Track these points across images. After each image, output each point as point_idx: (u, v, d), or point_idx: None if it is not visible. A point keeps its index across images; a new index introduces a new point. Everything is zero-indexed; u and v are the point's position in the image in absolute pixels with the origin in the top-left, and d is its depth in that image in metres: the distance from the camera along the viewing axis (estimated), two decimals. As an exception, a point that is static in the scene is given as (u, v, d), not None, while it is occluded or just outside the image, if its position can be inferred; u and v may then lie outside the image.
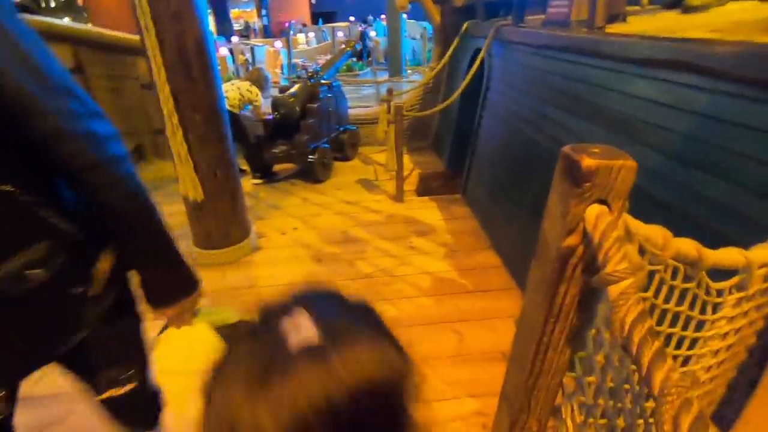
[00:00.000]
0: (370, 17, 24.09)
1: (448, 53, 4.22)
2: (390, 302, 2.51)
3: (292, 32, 20.59)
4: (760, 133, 1.19)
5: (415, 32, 18.45)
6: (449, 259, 2.93)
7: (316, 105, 4.25)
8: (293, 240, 3.28)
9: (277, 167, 4.52)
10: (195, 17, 2.42)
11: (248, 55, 13.51)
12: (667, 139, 1.52)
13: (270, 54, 19.09)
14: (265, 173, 4.40)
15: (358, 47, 5.08)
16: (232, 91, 4.05)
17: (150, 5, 2.25)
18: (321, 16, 29.69)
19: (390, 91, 4.21)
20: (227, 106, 4.04)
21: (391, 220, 3.53)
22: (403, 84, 13.93)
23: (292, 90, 4.27)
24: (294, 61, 19.37)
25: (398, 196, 3.84)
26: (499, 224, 3.04)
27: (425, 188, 4.37)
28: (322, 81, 4.49)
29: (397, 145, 3.57)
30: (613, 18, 2.57)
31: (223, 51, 19.88)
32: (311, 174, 4.28)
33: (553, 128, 2.33)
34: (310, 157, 4.18)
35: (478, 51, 3.85)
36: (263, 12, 30.18)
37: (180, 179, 2.68)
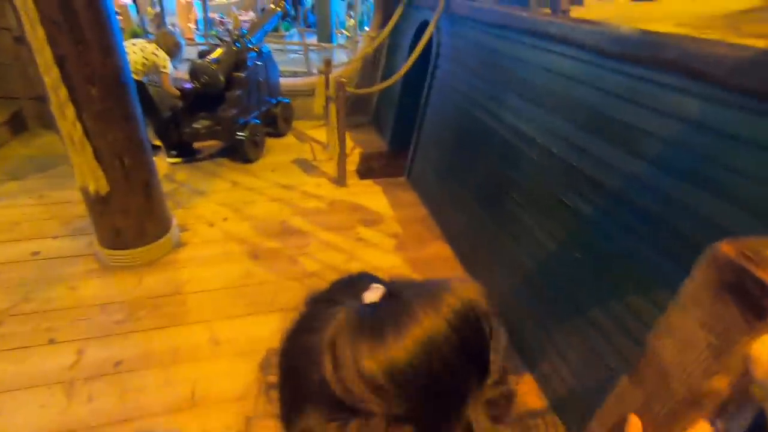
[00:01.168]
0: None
1: (390, 24, 3.89)
2: (340, 305, 2.28)
3: (206, -18, 18.49)
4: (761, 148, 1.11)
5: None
6: (400, 251, 2.76)
7: (243, 74, 3.73)
8: (224, 233, 2.88)
9: (197, 144, 3.96)
10: (83, -41, 1.87)
11: (158, 8, 11.89)
12: (649, 145, 1.42)
13: (182, 5, 17.03)
14: (183, 151, 3.83)
15: (290, 9, 4.53)
16: (134, 54, 3.39)
17: (14, -63, 1.67)
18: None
19: (328, 63, 3.81)
20: None
21: (334, 207, 3.25)
22: (333, 52, 13.25)
23: (215, 55, 3.69)
24: (210, 15, 17.51)
25: (340, 180, 3.55)
26: (450, 213, 2.92)
27: (367, 169, 4.13)
28: (250, 46, 3.94)
29: (338, 125, 3.24)
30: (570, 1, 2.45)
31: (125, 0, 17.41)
32: (240, 153, 3.81)
33: (515, 118, 2.18)
34: (239, 134, 3.69)
35: (424, 23, 3.59)
36: (170, -45, 26.66)
37: (75, 168, 2.16)
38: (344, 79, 3.13)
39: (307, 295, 0.50)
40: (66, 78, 1.95)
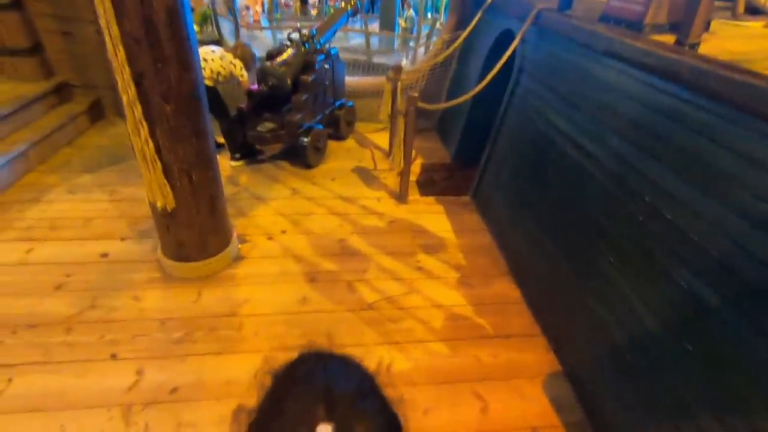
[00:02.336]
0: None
1: (467, 30, 3.62)
2: (399, 347, 2.15)
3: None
4: None
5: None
6: (463, 287, 2.57)
7: (311, 78, 3.63)
8: (282, 248, 2.82)
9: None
10: (166, -26, 1.79)
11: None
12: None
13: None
14: (247, 152, 3.82)
15: (360, 4, 4.36)
16: (212, 62, 3.37)
17: (101, -46, 1.61)
18: (307, -54, 27.02)
19: (398, 70, 3.62)
20: (204, 78, 3.41)
21: (394, 226, 3.10)
22: (394, 39, 12.97)
23: (284, 57, 3.60)
24: (279, -3, 17.67)
25: (402, 196, 3.39)
26: (520, 248, 2.68)
27: (428, 181, 3.95)
28: (319, 48, 3.82)
29: (406, 141, 3.06)
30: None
31: (195, -21, 17.92)
32: (302, 158, 3.73)
33: (616, 163, 1.90)
34: (302, 139, 3.61)
35: (506, 32, 3.30)
36: (243, -65, 27.13)
37: (145, 183, 2.14)
38: (416, 94, 2.93)
39: (265, 383, 0.59)
40: (142, 95, 1.91)
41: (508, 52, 2.85)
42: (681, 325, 1.48)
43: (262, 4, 16.52)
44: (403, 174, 3.26)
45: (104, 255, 2.65)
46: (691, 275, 1.46)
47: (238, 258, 2.69)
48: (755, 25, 2.24)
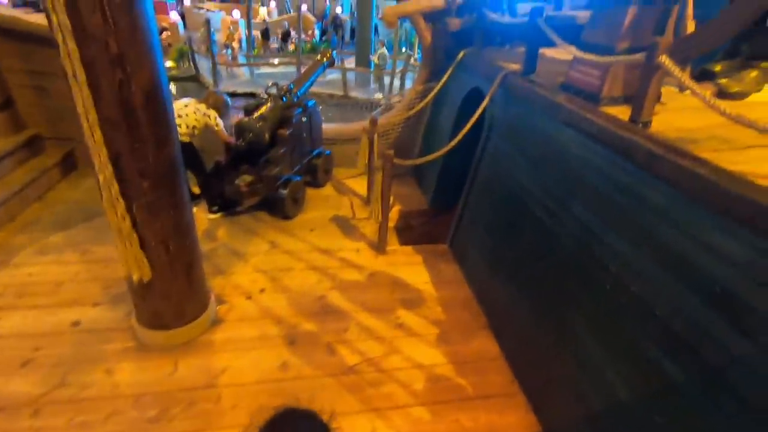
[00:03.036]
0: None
1: (440, 83, 3.79)
2: (380, 414, 2.14)
3: (251, 1, 19.07)
4: None
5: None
6: (443, 344, 2.60)
7: (288, 131, 3.70)
8: (260, 308, 2.80)
9: (238, 195, 3.95)
10: (146, 60, 1.83)
11: (205, 26, 12.28)
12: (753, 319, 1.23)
13: (226, 23, 17.59)
14: (224, 205, 3.81)
15: (336, 57, 4.51)
16: (187, 116, 3.41)
17: (79, 45, 1.65)
18: (283, -16, 27.79)
19: (373, 122, 3.73)
20: (180, 135, 3.43)
21: (374, 280, 3.13)
22: (370, 75, 13.28)
23: (261, 111, 3.67)
24: (254, 32, 18.01)
25: (380, 246, 3.43)
26: (498, 302, 2.74)
27: (406, 227, 4.02)
28: (296, 101, 3.91)
29: (383, 196, 3.14)
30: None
31: (174, 16, 18.14)
32: (280, 210, 3.75)
33: (581, 231, 2.01)
34: (281, 191, 3.64)
35: (475, 90, 3.47)
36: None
37: (120, 257, 2.12)
38: (391, 151, 3.03)
39: None
40: (119, 173, 1.92)
41: (478, 113, 2.99)
42: (651, 397, 1.55)
43: (240, 41, 16.81)
44: (381, 226, 3.31)
45: (75, 324, 2.58)
46: (657, 349, 1.53)
47: (216, 321, 2.66)
48: (704, 93, 2.43)
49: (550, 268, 2.24)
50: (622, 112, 2.07)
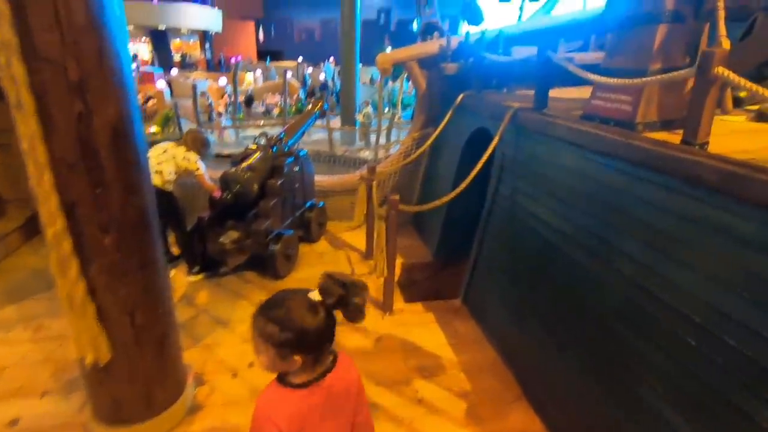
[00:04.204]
0: (331, 59, 24.08)
1: (440, 127, 3.60)
2: None
3: (239, 69, 19.75)
4: None
5: (364, 77, 18.32)
6: (474, 422, 2.13)
7: (279, 182, 3.39)
8: (249, 388, 2.31)
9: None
10: (113, 90, 1.53)
11: (197, 90, 12.41)
12: None
13: (213, 91, 17.98)
14: (207, 265, 3.39)
15: (327, 107, 4.35)
16: (166, 163, 3.10)
17: (27, 67, 1.34)
18: (268, 53, 29.16)
19: (372, 170, 3.47)
20: (158, 182, 3.10)
21: (382, 345, 2.68)
22: (355, 133, 13.47)
23: (250, 161, 3.38)
24: (240, 99, 18.44)
25: (387, 305, 3.02)
26: (533, 365, 2.31)
27: (410, 282, 3.63)
28: (287, 150, 3.66)
29: (388, 247, 2.79)
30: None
31: (161, 84, 18.53)
32: (270, 268, 3.34)
33: (637, 273, 1.67)
34: (271, 248, 3.26)
35: (480, 131, 3.26)
36: (207, 45, 29.07)
37: (72, 333, 1.67)
38: (396, 196, 2.72)
39: None
40: (74, 227, 1.54)
41: (488, 152, 2.75)
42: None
43: (226, 105, 17.08)
44: (387, 281, 2.93)
45: (13, 423, 2.04)
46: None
47: (195, 408, 2.15)
48: (736, 119, 2.24)
49: (599, 320, 1.86)
50: (664, 138, 1.83)
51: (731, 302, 1.33)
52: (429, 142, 3.63)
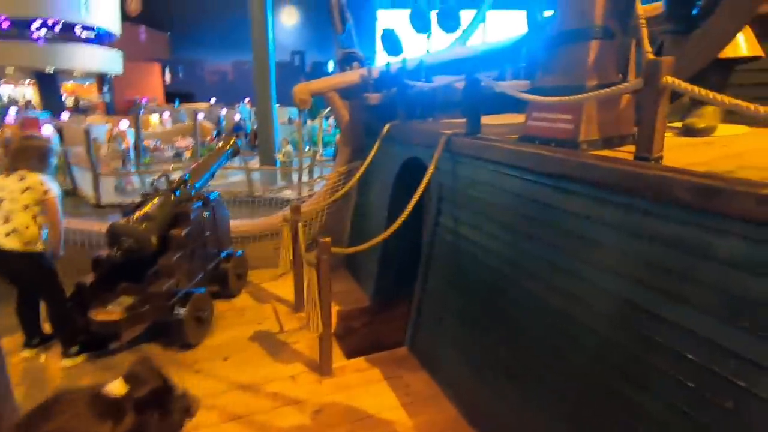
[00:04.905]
0: (246, 100, 23.52)
1: (368, 160, 3.34)
2: None
3: (142, 111, 18.36)
4: None
5: (282, 117, 18.05)
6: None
7: (184, 231, 2.85)
8: None
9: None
10: None
11: (89, 135, 11.09)
12: None
13: (112, 135, 16.41)
14: (90, 342, 2.68)
15: (241, 143, 3.91)
16: (15, 203, 2.42)
17: None
18: (177, 96, 27.68)
19: (296, 209, 3.08)
20: (16, 245, 2.42)
21: (323, 419, 2.22)
22: (276, 173, 12.98)
23: (145, 210, 2.81)
24: (145, 143, 17.04)
25: (324, 365, 2.57)
26: (500, 423, 2.01)
27: (347, 332, 3.24)
28: (194, 194, 3.14)
29: (322, 297, 2.38)
30: (623, 139, 1.99)
31: (47, 130, 16.56)
32: (177, 336, 2.74)
33: (621, 309, 1.47)
34: (177, 311, 2.67)
35: (412, 161, 3.06)
36: (105, 88, 26.89)
37: None
38: (327, 238, 2.36)
39: None
40: None
41: (424, 182, 2.52)
42: None
43: (127, 149, 15.57)
44: (323, 337, 2.50)
45: None
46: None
47: None
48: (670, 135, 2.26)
49: (571, 363, 1.63)
50: (611, 155, 1.71)
51: (729, 335, 1.15)
52: (357, 175, 3.35)
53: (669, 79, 1.41)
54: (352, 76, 3.59)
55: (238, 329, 3.06)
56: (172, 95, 28.16)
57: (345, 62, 3.77)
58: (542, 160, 1.78)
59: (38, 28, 21.98)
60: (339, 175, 3.94)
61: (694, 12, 2.08)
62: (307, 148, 14.79)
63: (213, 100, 27.37)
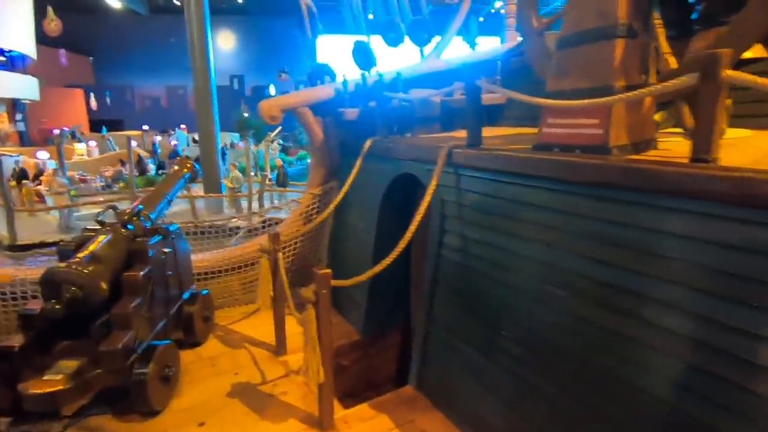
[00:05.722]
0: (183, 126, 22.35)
1: (350, 178, 3.06)
2: None
3: (63, 141, 16.70)
4: None
5: (223, 142, 17.26)
6: None
7: (142, 272, 2.37)
8: None
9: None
10: None
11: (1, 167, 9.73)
12: None
13: (29, 166, 14.75)
14: (21, 418, 2.11)
15: (199, 167, 3.47)
16: None
17: None
18: (104, 123, 25.66)
19: (275, 238, 2.70)
20: None
21: (335, 491, 1.84)
22: (222, 201, 12.23)
23: (91, 249, 2.30)
24: (69, 173, 15.48)
25: (325, 420, 2.19)
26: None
27: (337, 370, 2.86)
28: (150, 227, 2.67)
29: (322, 340, 2.03)
30: (648, 143, 1.88)
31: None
32: (138, 400, 2.23)
33: (694, 331, 1.29)
34: (138, 372, 2.17)
35: (403, 177, 2.82)
36: (18, 117, 24.32)
37: None
38: (327, 271, 2.03)
39: None
40: None
41: (427, 199, 2.28)
42: None
43: (50, 184, 13.96)
44: (323, 388, 2.13)
45: None
46: None
47: None
48: (677, 139, 2.21)
49: (625, 396, 1.43)
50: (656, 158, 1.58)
51: None
52: (339, 197, 3.04)
53: (730, 73, 1.30)
54: (326, 90, 3.32)
55: (210, 384, 2.58)
56: (98, 123, 26.09)
57: (316, 76, 3.49)
58: (586, 169, 1.60)
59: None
60: (313, 198, 3.60)
61: (693, 17, 2.06)
62: (254, 173, 14.15)
63: (146, 127, 25.70)
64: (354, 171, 3.07)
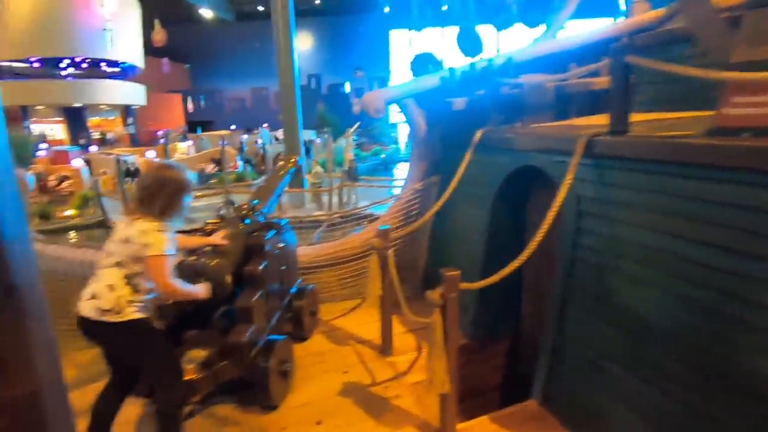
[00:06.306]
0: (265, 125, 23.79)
1: (460, 171, 2.87)
2: None
3: (163, 140, 18.41)
4: None
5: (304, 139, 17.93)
6: None
7: (260, 266, 2.39)
8: None
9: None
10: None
11: (120, 165, 10.96)
12: None
13: (142, 164, 16.48)
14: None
15: (302, 162, 3.50)
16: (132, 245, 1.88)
17: None
18: (199, 124, 28.04)
19: (385, 235, 2.60)
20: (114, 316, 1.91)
21: None
22: (303, 195, 12.65)
23: (214, 242, 2.37)
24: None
25: (446, 429, 2.04)
26: None
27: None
28: (263, 221, 2.71)
29: (448, 346, 1.88)
30: None
31: (77, 163, 16.66)
32: (260, 394, 2.25)
33: None
34: (262, 364, 2.20)
35: (524, 171, 2.57)
36: (129, 120, 27.40)
37: None
38: (457, 272, 1.87)
39: None
40: None
41: (562, 194, 2.02)
42: None
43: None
44: (447, 399, 1.98)
45: None
46: None
47: None
48: None
49: None
50: None
51: None
52: (448, 191, 2.87)
53: None
54: (431, 79, 3.15)
55: (322, 381, 2.56)
56: (193, 124, 28.55)
57: (418, 66, 3.34)
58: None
59: (66, 67, 22.62)
60: (414, 192, 3.47)
61: None
62: (336, 169, 14.47)
63: (233, 127, 27.62)
64: (463, 165, 2.88)
